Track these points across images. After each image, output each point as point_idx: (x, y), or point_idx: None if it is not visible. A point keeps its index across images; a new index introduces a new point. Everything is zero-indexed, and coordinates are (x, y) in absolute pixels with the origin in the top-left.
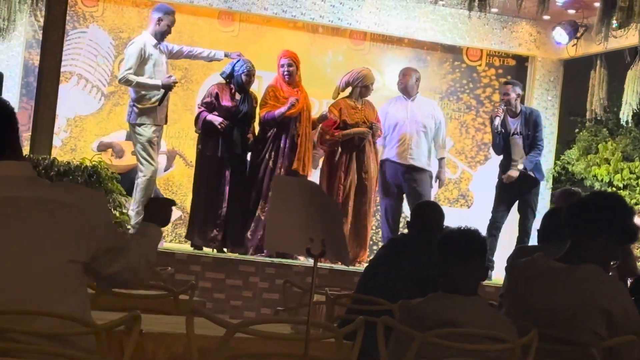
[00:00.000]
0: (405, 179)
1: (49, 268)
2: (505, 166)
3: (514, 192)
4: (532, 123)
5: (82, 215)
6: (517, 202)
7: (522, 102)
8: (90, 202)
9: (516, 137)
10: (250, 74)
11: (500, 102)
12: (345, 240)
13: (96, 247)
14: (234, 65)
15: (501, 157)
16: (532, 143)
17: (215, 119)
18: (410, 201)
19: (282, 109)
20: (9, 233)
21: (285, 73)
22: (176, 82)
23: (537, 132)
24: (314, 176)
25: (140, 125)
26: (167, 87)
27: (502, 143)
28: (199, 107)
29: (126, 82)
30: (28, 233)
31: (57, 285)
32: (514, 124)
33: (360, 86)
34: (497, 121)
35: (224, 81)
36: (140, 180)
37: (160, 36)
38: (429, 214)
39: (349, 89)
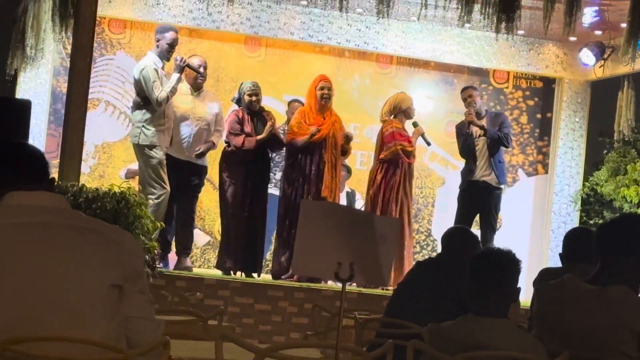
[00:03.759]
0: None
1: (90, 292)
2: (466, 172)
3: (475, 204)
4: (499, 123)
5: (117, 245)
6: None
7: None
8: (124, 235)
9: (481, 139)
10: (253, 93)
11: (470, 106)
12: (384, 260)
13: (130, 273)
14: (240, 87)
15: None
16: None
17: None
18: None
19: (304, 139)
20: (47, 256)
21: (325, 96)
22: (184, 60)
23: (502, 130)
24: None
25: (151, 147)
26: (182, 69)
27: (469, 142)
28: (229, 137)
29: (164, 100)
30: (67, 257)
31: (97, 310)
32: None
33: (400, 111)
34: (469, 117)
35: (236, 108)
36: (149, 202)
37: (164, 56)
38: (460, 239)
39: (392, 117)
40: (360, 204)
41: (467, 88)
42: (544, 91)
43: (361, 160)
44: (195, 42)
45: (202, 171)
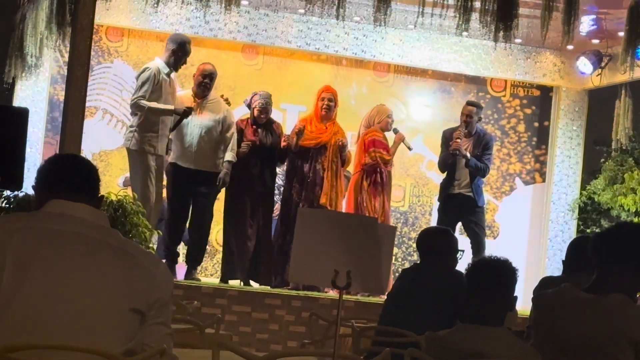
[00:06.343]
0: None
1: (110, 311)
2: (446, 185)
3: (456, 214)
4: (482, 145)
5: (148, 271)
6: (460, 224)
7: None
8: (157, 264)
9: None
10: (263, 111)
11: (461, 122)
12: (383, 267)
13: (154, 302)
14: (252, 97)
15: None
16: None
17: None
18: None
19: (293, 141)
20: (75, 267)
21: (325, 107)
22: (192, 109)
23: (484, 156)
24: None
25: (140, 153)
26: (183, 114)
27: (450, 161)
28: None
29: (138, 107)
30: (94, 272)
31: (113, 329)
32: (465, 144)
33: (375, 124)
34: (455, 145)
35: (247, 115)
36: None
37: (174, 65)
38: (438, 240)
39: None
40: None
41: (471, 105)
42: (541, 99)
43: None
44: (193, 50)
45: (213, 180)
